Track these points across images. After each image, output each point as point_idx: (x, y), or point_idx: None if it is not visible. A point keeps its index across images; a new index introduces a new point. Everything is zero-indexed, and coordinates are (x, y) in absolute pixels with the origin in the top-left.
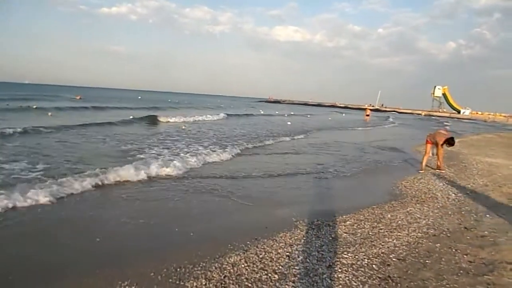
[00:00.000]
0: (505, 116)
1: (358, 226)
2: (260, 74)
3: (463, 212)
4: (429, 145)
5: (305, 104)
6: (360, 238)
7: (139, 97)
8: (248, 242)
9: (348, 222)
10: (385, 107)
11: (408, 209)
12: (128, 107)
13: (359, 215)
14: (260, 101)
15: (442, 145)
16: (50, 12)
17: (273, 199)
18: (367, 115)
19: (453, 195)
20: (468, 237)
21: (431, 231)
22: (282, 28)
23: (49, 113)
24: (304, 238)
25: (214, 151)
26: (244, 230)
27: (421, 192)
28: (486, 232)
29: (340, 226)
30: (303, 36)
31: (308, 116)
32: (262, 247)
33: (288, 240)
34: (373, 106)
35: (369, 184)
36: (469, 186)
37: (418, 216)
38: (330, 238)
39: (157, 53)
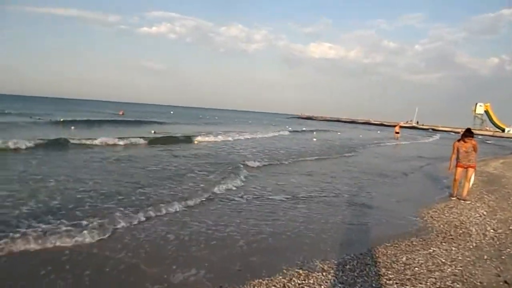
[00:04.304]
0: None
1: (360, 273)
2: (293, 90)
3: (503, 257)
4: (460, 169)
5: (338, 120)
6: None
7: (171, 112)
8: None
9: (347, 267)
10: (422, 125)
11: (431, 250)
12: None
13: (365, 256)
14: (293, 117)
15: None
16: (95, 33)
17: (263, 230)
18: (397, 133)
19: (492, 231)
20: None
21: (458, 286)
22: (317, 45)
23: (72, 127)
24: None
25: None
26: (213, 273)
27: (450, 225)
28: None
29: (337, 272)
30: (338, 53)
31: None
32: None
33: None
34: (410, 123)
35: (389, 212)
36: None
37: (443, 260)
38: None
39: (193, 70)
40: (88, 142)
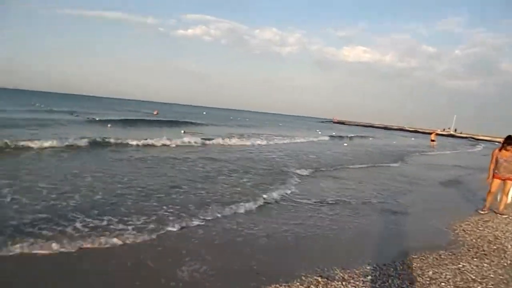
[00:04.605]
0: None
1: (382, 285)
2: (325, 94)
3: None
4: (497, 181)
5: (371, 126)
6: None
7: (204, 113)
8: None
9: (369, 277)
10: (461, 133)
11: (460, 265)
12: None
13: (388, 267)
14: (325, 121)
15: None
16: (134, 35)
17: (289, 235)
18: (433, 141)
19: None
20: None
21: None
22: (350, 49)
23: (109, 125)
24: None
25: None
26: (230, 275)
27: (484, 240)
28: None
29: (357, 283)
30: (372, 57)
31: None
32: None
33: None
34: (448, 131)
35: (419, 222)
36: None
37: (473, 277)
38: None
39: (226, 72)
40: (123, 141)
